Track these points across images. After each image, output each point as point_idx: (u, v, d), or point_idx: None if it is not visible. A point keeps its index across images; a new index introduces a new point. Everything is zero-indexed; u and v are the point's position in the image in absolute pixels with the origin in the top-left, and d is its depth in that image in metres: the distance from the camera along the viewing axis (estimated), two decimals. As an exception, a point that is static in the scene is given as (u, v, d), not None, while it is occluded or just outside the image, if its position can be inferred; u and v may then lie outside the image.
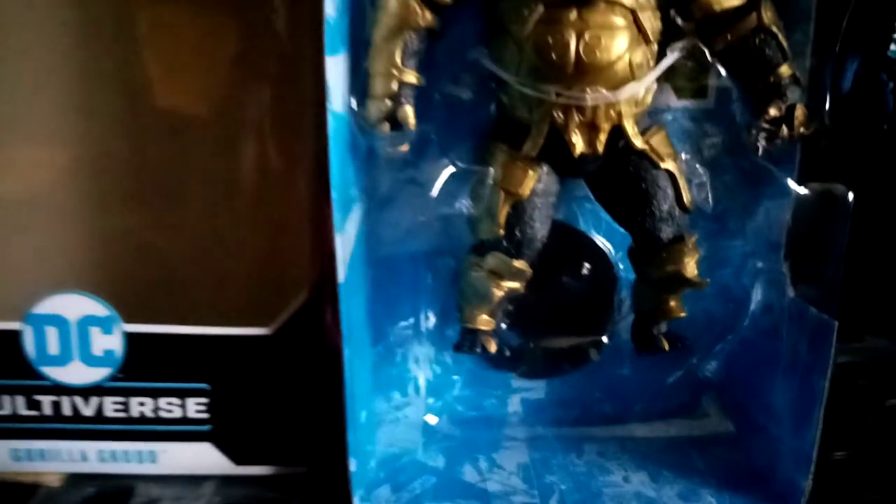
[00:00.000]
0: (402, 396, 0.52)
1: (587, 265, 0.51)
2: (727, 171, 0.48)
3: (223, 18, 0.46)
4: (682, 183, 0.43)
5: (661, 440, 0.53)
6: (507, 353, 0.49)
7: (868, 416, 0.57)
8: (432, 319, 0.50)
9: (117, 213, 0.48)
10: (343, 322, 0.42)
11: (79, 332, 0.46)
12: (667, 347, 0.46)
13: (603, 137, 0.41)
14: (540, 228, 0.44)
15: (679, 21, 0.43)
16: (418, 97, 0.42)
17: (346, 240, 0.42)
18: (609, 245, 0.50)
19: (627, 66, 0.40)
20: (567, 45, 0.39)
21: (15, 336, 0.46)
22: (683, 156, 0.47)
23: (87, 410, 0.47)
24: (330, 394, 0.45)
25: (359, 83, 0.42)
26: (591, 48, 0.39)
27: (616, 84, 0.40)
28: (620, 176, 0.43)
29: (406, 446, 0.51)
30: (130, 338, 0.46)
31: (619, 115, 0.41)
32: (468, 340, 0.46)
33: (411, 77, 0.41)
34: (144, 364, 0.47)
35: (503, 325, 0.48)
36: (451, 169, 0.46)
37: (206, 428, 0.48)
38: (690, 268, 0.44)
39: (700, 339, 0.50)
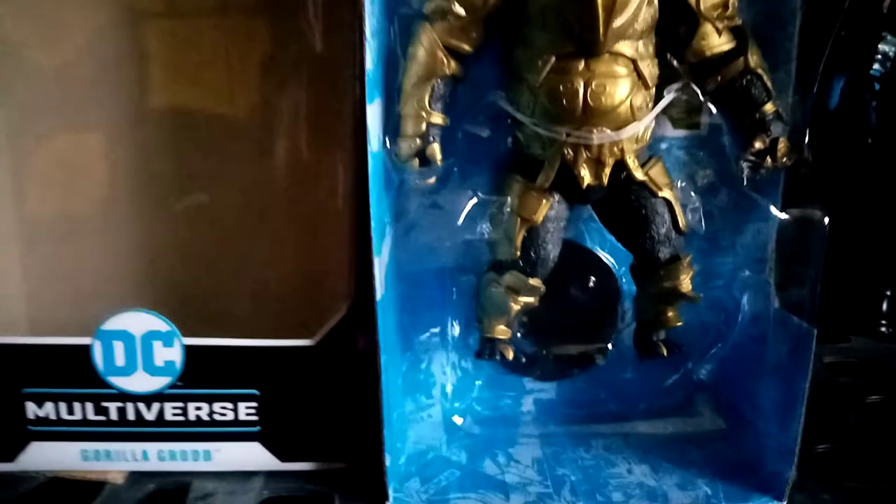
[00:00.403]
0: (428, 399, 0.54)
1: (593, 279, 0.52)
2: (719, 193, 0.50)
3: (273, 49, 0.49)
4: (677, 209, 0.45)
5: (660, 436, 0.54)
6: (523, 360, 0.50)
7: (849, 412, 0.58)
8: (457, 329, 0.52)
9: (172, 235, 0.51)
10: (380, 333, 0.44)
11: (143, 346, 0.47)
12: (665, 353, 0.48)
13: (607, 171, 0.44)
14: (552, 250, 0.46)
15: (675, 63, 0.45)
16: (444, 135, 0.44)
17: (381, 261, 0.44)
18: (613, 261, 0.52)
19: (629, 109, 0.42)
20: (576, 92, 0.41)
21: (86, 350, 0.47)
22: (679, 183, 0.48)
23: (149, 415, 0.49)
24: (366, 397, 0.46)
25: (391, 124, 0.44)
26: (597, 94, 0.41)
27: (619, 125, 0.42)
28: (623, 204, 0.46)
29: (432, 443, 0.52)
30: (189, 350, 0.47)
31: (622, 151, 0.43)
32: (488, 349, 0.48)
33: (438, 118, 0.43)
34: (201, 373, 0.48)
35: (518, 334, 0.50)
36: (473, 200, 0.48)
37: (255, 429, 0.50)
38: (686, 284, 0.46)
39: (695, 346, 0.52)
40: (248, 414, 0.49)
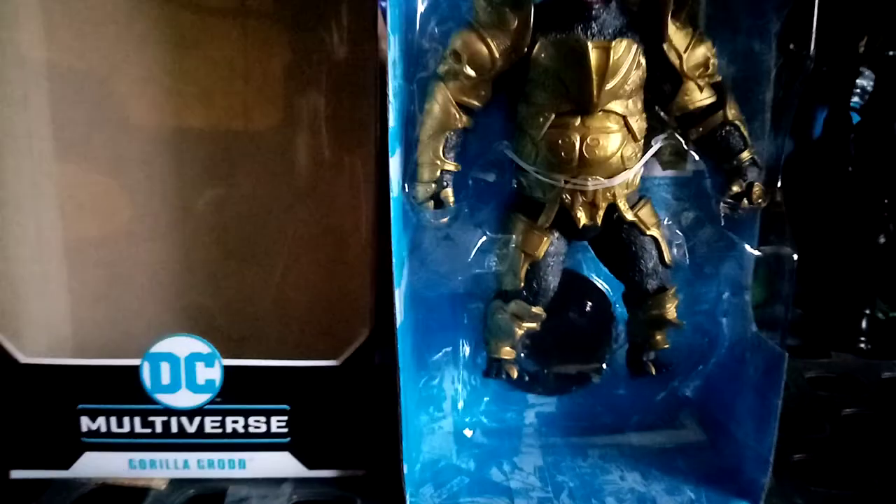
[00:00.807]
0: (440, 412, 0.56)
1: (590, 304, 0.55)
2: (704, 228, 0.53)
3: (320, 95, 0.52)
4: (664, 246, 0.48)
5: (650, 446, 0.55)
6: (526, 377, 0.52)
7: (825, 424, 0.60)
8: (467, 350, 0.54)
9: (205, 261, 0.54)
10: (399, 354, 0.46)
11: (186, 366, 0.50)
12: (654, 372, 0.50)
13: (601, 213, 0.47)
14: (552, 281, 0.49)
15: (662, 115, 0.48)
16: (456, 180, 0.47)
17: (400, 291, 0.47)
18: (608, 288, 0.55)
19: (620, 159, 0.45)
20: (573, 145, 0.45)
21: (135, 370, 0.50)
22: (666, 221, 0.51)
23: (191, 428, 0.51)
24: (385, 411, 0.48)
25: (409, 171, 0.47)
26: (592, 147, 0.45)
27: (611, 173, 0.46)
28: (615, 241, 0.49)
29: (443, 453, 0.54)
30: (227, 370, 0.50)
31: (614, 195, 0.46)
32: (494, 368, 0.51)
33: (451, 166, 0.47)
34: (237, 390, 0.50)
35: (522, 355, 0.52)
36: (483, 238, 0.50)
37: (285, 440, 0.51)
38: (671, 312, 0.49)
39: (681, 366, 0.54)
40: (278, 427, 0.51)
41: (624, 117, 0.45)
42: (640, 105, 0.46)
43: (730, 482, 0.51)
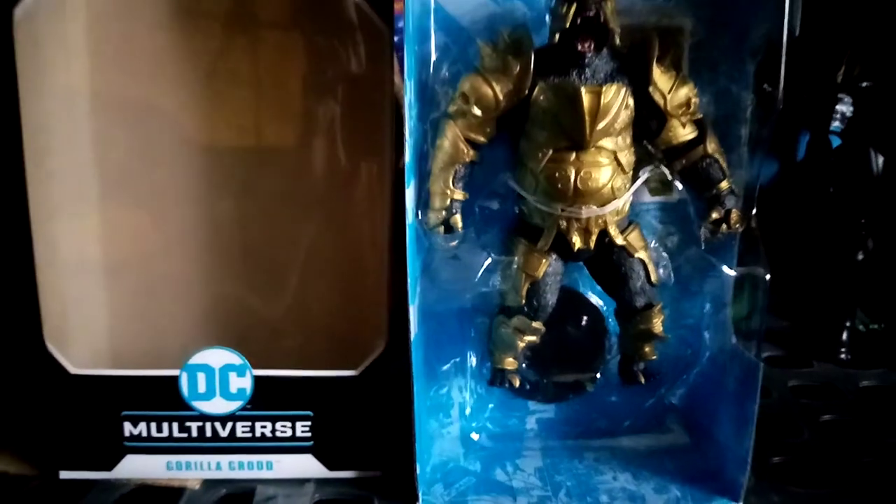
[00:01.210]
0: (448, 418, 0.58)
1: (585, 319, 0.56)
2: (688, 249, 0.55)
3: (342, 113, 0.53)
4: (650, 267, 0.51)
5: (640, 449, 0.57)
6: (527, 386, 0.54)
7: (804, 429, 0.61)
8: (473, 361, 0.56)
9: (244, 283, 0.56)
10: (413, 365, 0.48)
11: (220, 376, 0.52)
12: (643, 381, 0.52)
13: (594, 237, 0.50)
14: (551, 299, 0.51)
15: (650, 148, 0.52)
16: (464, 208, 0.50)
17: (414, 307, 0.50)
18: (602, 303, 0.56)
19: (611, 190, 0.48)
20: (568, 178, 0.48)
21: (174, 380, 0.52)
22: (653, 243, 0.54)
23: (223, 433, 0.53)
24: (399, 417, 0.50)
25: (422, 200, 0.50)
26: (585, 180, 0.48)
27: (603, 202, 0.49)
28: (607, 263, 0.51)
29: (452, 455, 0.56)
30: (257, 379, 0.52)
31: (605, 222, 0.49)
32: (498, 377, 0.53)
33: (459, 195, 0.49)
34: (266, 398, 0.53)
35: (524, 365, 0.54)
36: (489, 259, 0.53)
37: (308, 444, 0.54)
38: (658, 326, 0.51)
39: (667, 375, 0.56)
40: (303, 431, 0.53)
41: (614, 152, 0.48)
42: (628, 141, 0.49)
43: (712, 481, 0.53)
